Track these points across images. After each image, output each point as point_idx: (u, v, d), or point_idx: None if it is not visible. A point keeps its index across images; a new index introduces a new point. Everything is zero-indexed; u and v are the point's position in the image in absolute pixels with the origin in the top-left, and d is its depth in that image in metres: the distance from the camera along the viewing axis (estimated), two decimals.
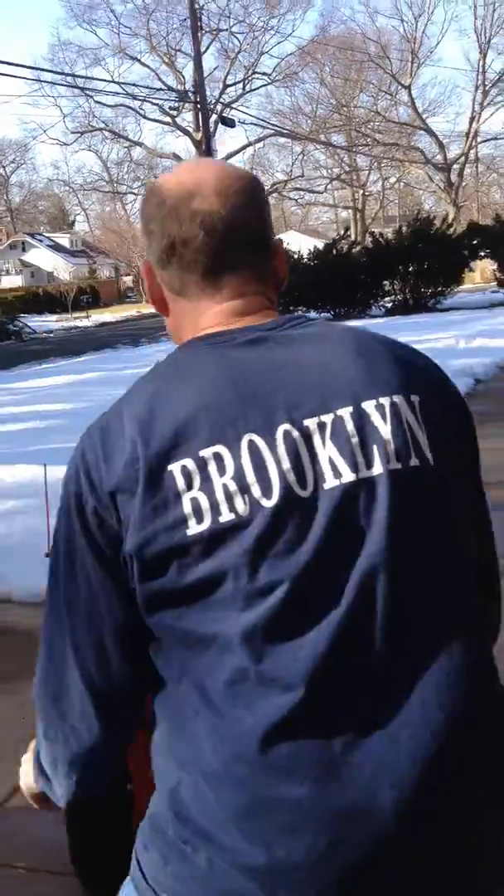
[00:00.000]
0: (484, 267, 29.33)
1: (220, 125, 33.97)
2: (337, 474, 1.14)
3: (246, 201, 1.28)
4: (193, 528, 1.12)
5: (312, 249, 25.20)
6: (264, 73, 53.73)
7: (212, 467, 1.13)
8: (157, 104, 49.45)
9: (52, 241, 63.12)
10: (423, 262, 22.76)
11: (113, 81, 43.24)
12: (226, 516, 1.12)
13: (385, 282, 24.39)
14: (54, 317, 41.97)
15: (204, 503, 1.12)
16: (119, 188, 62.63)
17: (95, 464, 1.18)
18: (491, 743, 1.16)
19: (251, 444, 1.14)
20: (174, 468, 1.13)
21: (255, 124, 48.54)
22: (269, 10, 50.44)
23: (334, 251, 25.26)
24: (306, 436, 1.15)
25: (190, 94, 35.11)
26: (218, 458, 1.13)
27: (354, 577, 1.12)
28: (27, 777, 1.38)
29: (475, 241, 23.68)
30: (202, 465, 1.13)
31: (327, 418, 1.16)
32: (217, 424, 1.14)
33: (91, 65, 49.57)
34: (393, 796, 1.07)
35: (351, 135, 54.18)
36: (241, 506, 1.12)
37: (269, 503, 1.12)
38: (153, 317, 40.05)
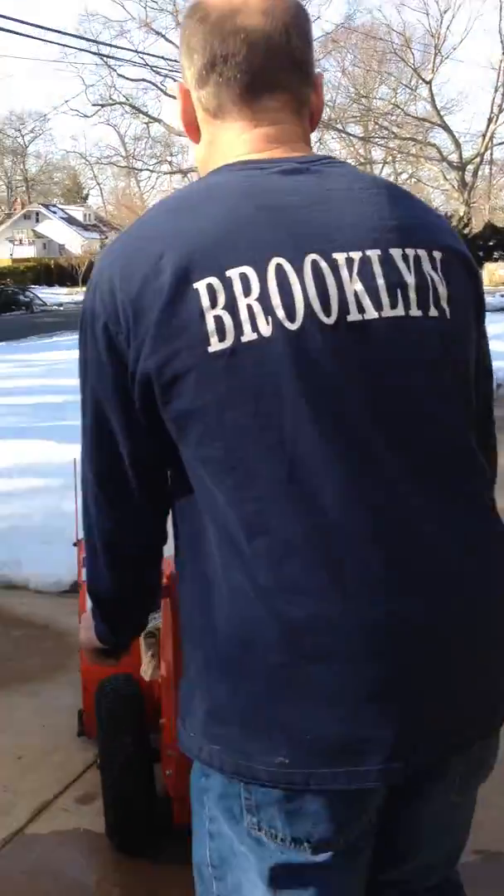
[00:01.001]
0: (493, 270, 28.97)
1: None
2: (361, 309, 1.16)
3: (291, 21, 1.26)
4: (215, 346, 1.12)
5: None
6: None
7: (237, 287, 1.13)
8: (179, 80, 48.84)
9: (65, 213, 62.74)
10: None
11: (137, 52, 42.53)
12: (248, 336, 1.12)
13: None
14: (64, 290, 41.77)
15: (227, 322, 1.12)
16: (135, 164, 62.18)
17: (110, 279, 1.18)
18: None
19: (278, 267, 1.14)
20: (199, 286, 1.13)
21: None
22: None
23: None
24: (334, 268, 1.16)
25: None
26: (244, 278, 1.13)
27: (370, 404, 1.16)
28: (87, 631, 1.50)
29: (492, 242, 23.40)
30: (227, 284, 1.13)
31: (356, 255, 1.17)
32: (245, 245, 1.14)
33: (116, 37, 48.85)
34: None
35: (368, 126, 53.84)
36: (264, 326, 1.12)
37: (292, 326, 1.13)
38: None
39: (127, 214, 55.58)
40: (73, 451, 6.66)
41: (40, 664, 3.99)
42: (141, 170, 62.72)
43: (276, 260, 1.14)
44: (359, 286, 1.16)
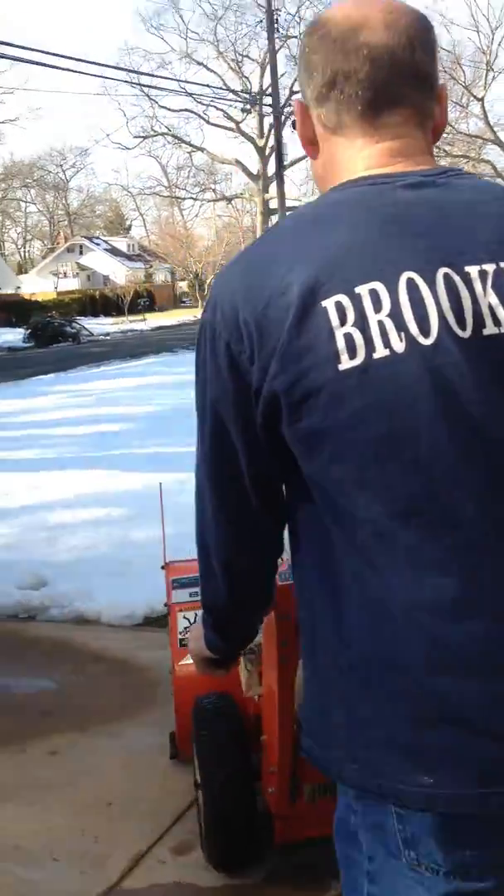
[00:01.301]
0: None
1: (291, 130, 33.54)
2: (497, 322, 1.12)
3: (415, 34, 1.24)
4: (346, 364, 1.10)
5: None
6: None
7: (367, 303, 1.11)
8: (222, 109, 49.50)
9: (108, 244, 63.29)
10: None
11: (178, 80, 42.92)
12: (380, 352, 1.10)
13: None
14: (110, 320, 41.98)
15: (358, 339, 1.10)
16: (178, 193, 62.71)
17: (232, 298, 1.17)
18: None
19: (409, 282, 1.12)
20: (328, 304, 1.11)
21: None
22: None
23: None
24: (467, 281, 1.13)
25: (259, 98, 34.91)
26: (374, 294, 1.11)
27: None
28: (196, 641, 1.52)
29: None
30: (357, 300, 1.11)
31: (489, 267, 1.14)
32: (374, 261, 1.13)
33: (157, 69, 49.41)
34: None
35: None
36: (396, 342, 1.10)
37: (426, 341, 1.10)
38: None
39: (171, 243, 56.00)
40: (132, 480, 6.62)
41: (120, 703, 3.83)
42: (184, 198, 63.31)
43: (406, 274, 1.12)
44: (493, 299, 1.12)
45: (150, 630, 4.68)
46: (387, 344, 1.10)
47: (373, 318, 1.10)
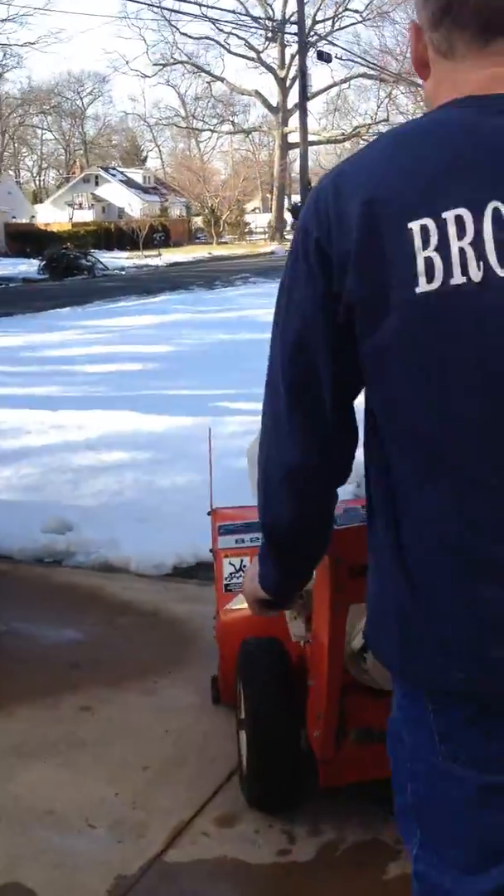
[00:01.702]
0: None
1: (314, 60, 32.55)
2: None
3: None
4: (423, 287, 1.12)
5: None
6: (356, 10, 52.12)
7: (451, 229, 1.11)
8: (243, 38, 48.28)
9: (125, 175, 62.16)
10: None
11: (200, 3, 41.77)
12: (457, 279, 1.11)
13: None
14: (125, 254, 41.37)
15: (438, 263, 1.11)
16: (195, 124, 61.54)
17: (326, 200, 1.19)
18: None
19: (496, 211, 1.11)
20: (413, 226, 1.12)
21: (351, 60, 46.58)
22: None
23: None
24: None
25: (282, 26, 33.90)
26: (459, 220, 1.11)
27: None
28: (251, 581, 1.55)
29: None
30: (442, 225, 1.12)
31: None
32: (463, 187, 1.13)
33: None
34: None
35: None
36: (474, 270, 1.11)
37: (503, 272, 1.10)
38: (225, 259, 39.55)
39: (188, 176, 55.12)
40: (156, 423, 6.51)
41: (153, 657, 3.70)
42: (202, 130, 62.23)
43: (493, 204, 1.11)
44: None
45: (180, 581, 4.54)
46: (465, 271, 1.11)
47: (455, 245, 1.11)
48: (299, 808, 2.63)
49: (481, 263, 1.10)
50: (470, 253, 1.10)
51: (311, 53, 28.81)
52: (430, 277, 1.11)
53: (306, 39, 28.83)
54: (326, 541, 1.46)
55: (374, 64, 47.42)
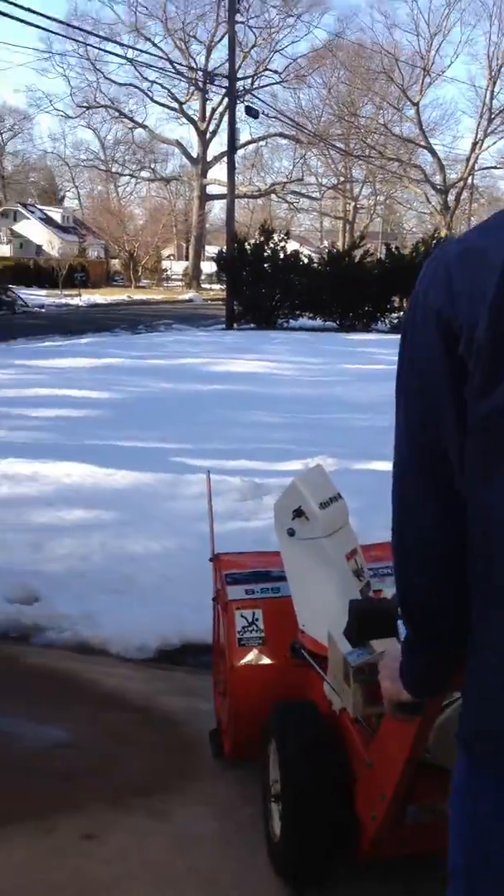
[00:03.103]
0: None
1: (243, 115, 32.66)
2: None
3: None
4: None
5: (322, 253, 25.55)
6: (275, 71, 52.98)
7: None
8: (167, 88, 48.46)
9: (44, 213, 61.24)
10: None
11: (128, 48, 41.78)
12: None
13: (395, 297, 24.87)
14: (44, 291, 40.59)
15: None
16: (115, 169, 61.29)
17: (447, 272, 1.20)
18: None
19: None
20: None
21: (277, 118, 47.01)
22: (286, 9, 49.90)
23: (347, 259, 25.67)
24: None
25: (209, 78, 34.00)
26: None
27: None
28: (392, 682, 1.44)
29: None
30: None
31: None
32: None
33: (102, 42, 48.04)
34: None
35: (349, 145, 53.76)
36: None
37: None
38: (145, 304, 39.14)
39: (107, 218, 54.66)
40: (120, 478, 6.01)
41: (154, 767, 3.17)
42: (122, 175, 61.92)
43: None
44: None
45: (167, 667, 4.03)
46: None
47: None
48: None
49: None
50: None
51: (240, 108, 28.90)
52: None
53: (235, 94, 28.84)
54: (467, 624, 1.32)
55: (292, 121, 48.18)
